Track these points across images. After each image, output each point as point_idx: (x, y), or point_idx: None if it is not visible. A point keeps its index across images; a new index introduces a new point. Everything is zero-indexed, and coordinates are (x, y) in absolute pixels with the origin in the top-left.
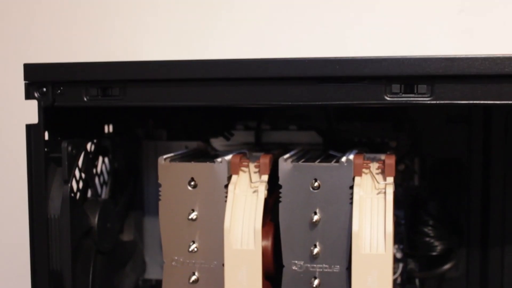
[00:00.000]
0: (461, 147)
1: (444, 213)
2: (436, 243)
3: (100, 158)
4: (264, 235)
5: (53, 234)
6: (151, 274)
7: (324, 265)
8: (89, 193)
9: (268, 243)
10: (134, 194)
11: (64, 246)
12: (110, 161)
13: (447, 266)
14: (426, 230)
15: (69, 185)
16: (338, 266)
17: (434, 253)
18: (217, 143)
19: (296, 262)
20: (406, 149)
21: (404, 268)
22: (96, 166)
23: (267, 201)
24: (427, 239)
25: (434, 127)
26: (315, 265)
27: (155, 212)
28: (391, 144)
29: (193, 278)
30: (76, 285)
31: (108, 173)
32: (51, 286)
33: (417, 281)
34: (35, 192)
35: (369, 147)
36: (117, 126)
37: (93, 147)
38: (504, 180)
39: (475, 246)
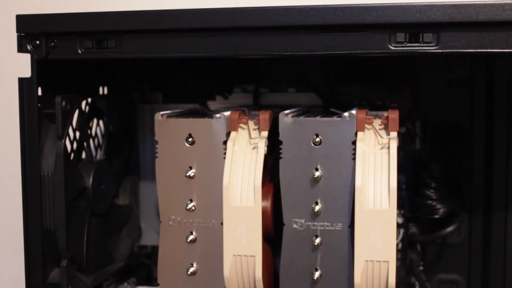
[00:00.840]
0: (463, 110)
1: (447, 176)
2: (439, 206)
3: (95, 121)
4: (264, 196)
5: (46, 192)
6: (147, 240)
7: (325, 223)
8: (84, 155)
9: (268, 203)
10: (130, 158)
11: (57, 204)
12: (105, 124)
13: (449, 229)
14: (428, 192)
15: (63, 141)
16: (340, 224)
17: (436, 216)
18: (214, 105)
19: (297, 220)
20: (407, 112)
21: (405, 233)
22: (90, 128)
23: (266, 161)
24: (429, 201)
25: (436, 90)
26: (316, 223)
27: (151, 177)
28: (391, 107)
29: (191, 237)
30: (70, 245)
31: (102, 136)
32: (44, 245)
33: (418, 246)
34: (28, 149)
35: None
36: (112, 88)
37: (87, 107)
38: (507, 144)
39: (478, 210)
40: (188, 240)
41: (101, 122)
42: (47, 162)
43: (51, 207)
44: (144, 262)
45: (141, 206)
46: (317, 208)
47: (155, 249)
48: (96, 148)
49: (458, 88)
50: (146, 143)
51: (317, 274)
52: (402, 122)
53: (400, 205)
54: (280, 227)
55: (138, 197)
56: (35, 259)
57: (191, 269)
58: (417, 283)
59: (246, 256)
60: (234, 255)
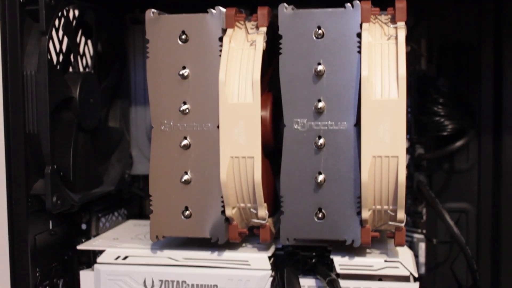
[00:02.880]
0: (471, 28)
1: (455, 93)
2: (447, 122)
3: (83, 39)
4: (263, 105)
5: (29, 94)
6: (139, 169)
7: (329, 122)
8: (70, 70)
9: (267, 113)
10: (120, 81)
11: (41, 106)
12: (93, 42)
13: (459, 143)
14: (436, 109)
15: (47, 37)
16: (345, 123)
17: (444, 133)
18: None
19: (299, 120)
20: (410, 29)
21: (411, 158)
22: (78, 44)
23: (265, 69)
24: (437, 118)
25: (442, 7)
26: (319, 123)
27: (143, 103)
28: None
29: (185, 142)
30: (56, 157)
31: (91, 57)
32: (27, 151)
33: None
34: (9, 47)
35: None
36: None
37: (74, 21)
38: None
39: (487, 132)
40: (182, 145)
41: (89, 43)
42: (30, 62)
43: (34, 109)
44: (136, 193)
45: (132, 133)
46: (320, 105)
47: (146, 179)
48: (84, 68)
49: (466, 4)
50: (137, 66)
51: (320, 177)
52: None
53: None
54: (279, 141)
55: (129, 124)
56: (17, 166)
57: (185, 177)
58: (424, 211)
59: (244, 157)
60: (232, 157)
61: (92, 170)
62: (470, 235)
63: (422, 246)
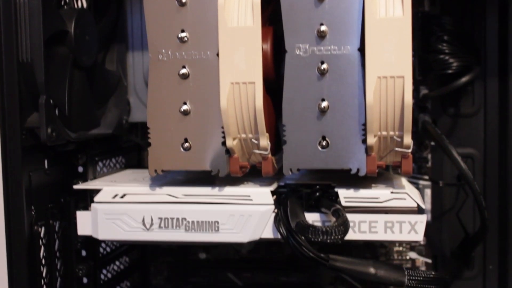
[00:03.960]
0: None
1: (459, 31)
2: (451, 60)
3: None
4: (263, 38)
5: (22, 21)
6: (137, 116)
7: (332, 47)
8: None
9: (267, 46)
10: (116, 24)
11: (34, 33)
12: None
13: (464, 79)
14: (440, 47)
15: None
16: (348, 47)
17: (449, 71)
18: None
19: (301, 45)
20: None
21: (416, 101)
22: None
23: (265, 2)
24: (442, 56)
25: None
26: (322, 48)
27: (140, 48)
28: None
29: (183, 71)
30: (51, 91)
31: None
32: (21, 80)
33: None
34: None
35: None
36: None
37: None
38: None
39: (493, 74)
40: (180, 74)
41: None
42: None
43: (28, 37)
44: (134, 142)
45: (129, 80)
46: (322, 29)
47: (145, 127)
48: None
49: None
50: (134, 10)
51: (324, 104)
52: None
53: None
54: (281, 79)
55: (126, 70)
56: (11, 96)
57: (184, 107)
58: (430, 156)
59: (245, 83)
60: (232, 83)
61: (89, 111)
62: (476, 181)
63: (428, 193)
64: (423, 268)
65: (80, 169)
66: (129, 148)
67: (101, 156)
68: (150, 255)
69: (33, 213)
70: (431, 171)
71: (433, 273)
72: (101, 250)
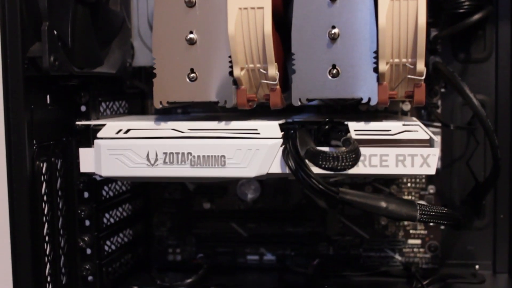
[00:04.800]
0: None
1: None
2: None
3: None
4: None
5: None
6: (141, 60)
7: None
8: None
9: None
10: None
11: None
12: None
13: (476, 17)
14: None
15: None
16: None
17: (461, 10)
18: None
19: None
20: None
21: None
22: None
23: None
24: None
25: None
26: None
27: None
28: None
29: None
30: (53, 22)
31: None
32: (23, 6)
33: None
34: None
35: None
36: None
37: None
38: None
39: (505, 18)
40: (187, 1)
41: None
42: None
43: None
44: (138, 89)
45: (133, 23)
46: None
47: (149, 72)
48: None
49: None
50: None
51: (334, 31)
52: None
53: None
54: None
55: (130, 12)
56: (12, 26)
57: (190, 36)
58: (440, 102)
59: (254, 8)
60: (240, 8)
61: (92, 49)
62: None
63: (437, 140)
64: None
65: (83, 108)
66: (132, 95)
67: (104, 97)
68: (153, 205)
69: (34, 147)
70: (441, 118)
71: (445, 209)
72: (104, 193)
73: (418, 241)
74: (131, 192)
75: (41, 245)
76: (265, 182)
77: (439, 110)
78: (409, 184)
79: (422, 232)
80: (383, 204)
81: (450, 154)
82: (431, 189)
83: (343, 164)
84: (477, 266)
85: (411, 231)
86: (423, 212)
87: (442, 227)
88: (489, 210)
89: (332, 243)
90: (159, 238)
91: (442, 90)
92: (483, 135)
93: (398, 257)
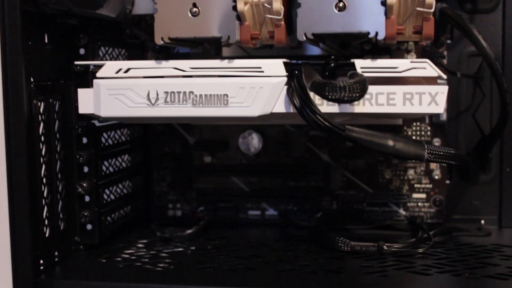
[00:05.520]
0: None
1: None
2: None
3: None
4: None
5: None
6: (141, 9)
7: None
8: None
9: None
10: None
11: None
12: None
13: None
14: None
15: None
16: None
17: None
18: None
19: None
20: None
21: None
22: None
23: None
24: None
25: None
26: None
27: None
28: None
29: None
30: None
31: None
32: None
33: None
34: None
35: None
36: None
37: None
38: None
39: None
40: None
41: None
42: None
43: None
44: (138, 39)
45: None
46: None
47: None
48: None
49: None
50: None
51: None
52: None
53: None
54: None
55: None
56: None
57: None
58: (446, 53)
59: None
60: None
61: None
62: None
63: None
64: (438, 172)
65: (82, 51)
66: (132, 45)
67: (103, 41)
68: (153, 161)
69: (32, 86)
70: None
71: (453, 150)
72: (103, 140)
73: (423, 195)
74: (130, 143)
75: (38, 186)
76: (268, 135)
77: (445, 60)
78: (414, 137)
79: (427, 186)
80: (390, 142)
81: (456, 107)
82: (436, 142)
83: (350, 95)
84: (482, 221)
85: (415, 185)
86: (431, 151)
87: (448, 181)
88: (495, 164)
89: (335, 197)
90: (159, 194)
91: (448, 41)
92: (490, 87)
93: (402, 211)
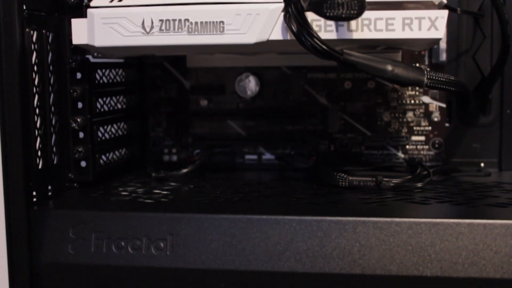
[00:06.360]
0: None
1: None
2: None
3: None
4: None
5: None
6: None
7: None
8: None
9: None
10: None
11: None
12: None
13: None
14: None
15: None
16: None
17: None
18: None
19: None
20: None
21: None
22: None
23: None
24: None
25: None
26: None
27: None
28: None
29: None
30: None
31: None
32: None
33: None
34: None
35: None
36: None
37: None
38: None
39: None
40: None
41: None
42: None
43: None
44: None
45: None
46: None
47: None
48: None
49: None
50: None
51: None
52: None
53: None
54: None
55: None
56: None
57: None
58: None
59: None
60: None
61: None
62: (494, 21)
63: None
64: (437, 114)
65: None
66: None
67: None
68: (148, 104)
69: (24, 13)
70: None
71: (453, 77)
72: (97, 77)
73: (422, 138)
74: (125, 85)
75: (31, 116)
76: (265, 78)
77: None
78: None
79: (426, 128)
80: (389, 67)
81: (456, 48)
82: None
83: (348, 11)
84: (482, 164)
85: (414, 128)
86: (431, 77)
87: (447, 124)
88: (496, 105)
89: (333, 141)
90: (155, 139)
91: None
92: (490, 27)
93: (401, 154)
